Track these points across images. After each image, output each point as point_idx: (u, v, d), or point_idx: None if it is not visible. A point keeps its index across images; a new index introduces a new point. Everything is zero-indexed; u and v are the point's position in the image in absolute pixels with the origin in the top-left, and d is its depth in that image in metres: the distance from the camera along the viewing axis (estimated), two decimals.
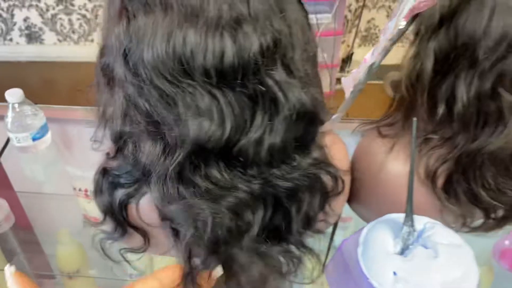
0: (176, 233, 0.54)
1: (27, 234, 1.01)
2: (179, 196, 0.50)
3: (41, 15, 1.96)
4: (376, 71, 0.60)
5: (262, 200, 0.52)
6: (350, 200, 0.73)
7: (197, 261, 0.56)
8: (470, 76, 0.56)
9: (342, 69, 2.33)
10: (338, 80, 2.31)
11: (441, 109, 0.59)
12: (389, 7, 1.96)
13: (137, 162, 0.52)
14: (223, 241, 0.54)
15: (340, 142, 0.67)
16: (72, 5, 1.95)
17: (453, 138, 0.60)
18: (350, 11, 2.37)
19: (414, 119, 0.49)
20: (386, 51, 0.58)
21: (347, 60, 2.35)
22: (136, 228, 0.59)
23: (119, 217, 0.58)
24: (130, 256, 0.63)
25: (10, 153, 1.00)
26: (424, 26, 0.58)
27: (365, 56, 0.65)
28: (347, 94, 0.64)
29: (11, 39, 2.04)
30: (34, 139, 0.94)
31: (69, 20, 1.99)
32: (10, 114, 0.91)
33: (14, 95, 0.90)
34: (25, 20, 1.98)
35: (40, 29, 2.02)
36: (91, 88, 0.56)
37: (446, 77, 0.58)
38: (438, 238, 0.53)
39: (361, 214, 0.76)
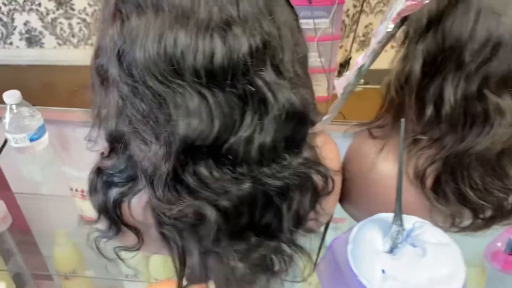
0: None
1: (24, 235, 1.02)
2: (170, 194, 0.51)
3: (41, 19, 1.97)
4: (366, 73, 0.61)
5: (253, 198, 0.53)
6: (341, 200, 0.74)
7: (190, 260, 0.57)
8: (457, 78, 0.57)
9: (340, 74, 2.35)
10: None
11: (429, 111, 0.60)
12: None
13: (130, 161, 0.53)
14: (214, 239, 0.55)
15: (331, 143, 0.68)
16: (72, 9, 1.95)
17: (441, 139, 0.61)
18: (348, 16, 2.39)
19: (402, 120, 0.50)
20: (375, 53, 0.59)
21: (345, 64, 2.37)
22: (130, 227, 0.60)
23: (113, 216, 0.59)
24: (126, 256, 0.64)
25: (8, 154, 1.01)
26: (413, 29, 0.60)
27: (357, 59, 0.67)
28: (339, 96, 0.65)
29: (11, 43, 2.05)
30: (31, 140, 0.95)
31: (69, 24, 2.00)
32: (8, 115, 0.93)
33: (12, 96, 0.92)
34: (25, 24, 1.99)
35: (40, 33, 2.03)
36: (86, 89, 0.57)
37: (434, 79, 0.59)
38: (427, 237, 0.54)
39: (352, 214, 0.77)
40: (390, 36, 0.60)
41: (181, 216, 0.52)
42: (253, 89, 0.48)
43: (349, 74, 0.66)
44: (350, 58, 2.31)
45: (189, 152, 0.49)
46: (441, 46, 0.58)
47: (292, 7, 0.55)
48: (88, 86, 0.56)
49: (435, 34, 0.58)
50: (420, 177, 0.64)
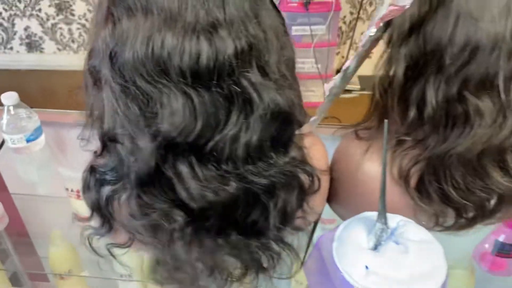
0: (155, 228, 0.57)
1: (20, 235, 1.03)
2: (155, 192, 0.53)
3: (41, 25, 1.99)
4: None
5: (238, 196, 0.55)
6: (330, 201, 0.76)
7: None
8: (438, 81, 0.59)
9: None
10: None
11: (412, 112, 0.62)
12: None
13: (121, 159, 0.55)
14: (203, 235, 0.57)
15: (319, 143, 0.70)
16: (72, 14, 1.97)
17: (424, 140, 0.63)
18: (344, 23, 2.41)
19: (385, 120, 0.52)
20: (359, 57, 0.61)
21: (339, 70, 2.38)
22: (122, 224, 0.62)
23: (105, 213, 0.61)
24: (119, 252, 0.66)
25: (5, 155, 1.03)
26: (396, 34, 0.62)
27: (346, 63, 0.68)
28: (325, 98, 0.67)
29: (11, 48, 2.07)
30: (28, 140, 0.97)
31: (69, 29, 2.02)
32: (5, 116, 0.95)
33: (9, 98, 0.94)
34: (25, 29, 2.01)
35: (40, 38, 2.05)
36: (81, 90, 0.59)
37: (417, 82, 0.61)
38: (410, 235, 0.55)
39: (340, 214, 0.78)
40: (374, 40, 0.62)
41: (156, 214, 0.54)
42: (238, 89, 0.50)
43: (337, 77, 0.68)
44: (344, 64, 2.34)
45: (170, 148, 0.51)
46: (422, 50, 0.59)
47: (278, 11, 0.57)
48: (82, 87, 0.58)
49: (417, 38, 0.60)
50: (404, 177, 0.66)
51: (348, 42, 2.12)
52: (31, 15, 1.90)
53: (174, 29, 0.47)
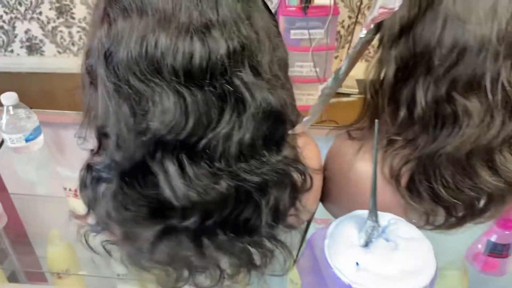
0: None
1: (18, 235, 1.04)
2: (139, 188, 0.54)
3: (42, 28, 2.01)
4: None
5: (229, 194, 0.56)
6: (323, 200, 0.77)
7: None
8: (427, 82, 0.60)
9: None
10: None
11: (402, 113, 0.63)
12: None
13: (110, 153, 0.56)
14: (196, 232, 0.58)
15: (312, 143, 0.71)
16: (73, 18, 1.99)
17: (414, 140, 0.64)
18: (343, 27, 2.42)
19: (376, 121, 0.53)
20: (350, 58, 0.62)
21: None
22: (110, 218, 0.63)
23: (101, 210, 0.62)
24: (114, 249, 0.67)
25: (4, 154, 1.04)
26: (386, 36, 0.63)
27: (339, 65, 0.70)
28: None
29: (12, 51, 2.08)
30: (27, 140, 0.99)
31: (69, 32, 2.04)
32: (5, 116, 0.97)
33: (9, 98, 0.96)
34: (26, 32, 2.02)
35: (41, 41, 2.06)
36: (79, 91, 0.60)
37: (407, 83, 0.63)
38: (400, 232, 0.57)
39: (333, 213, 0.79)
40: (365, 43, 0.63)
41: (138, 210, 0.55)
42: (231, 88, 0.51)
43: (329, 78, 0.69)
44: None
45: (160, 145, 0.52)
46: (412, 52, 0.61)
47: (271, 13, 0.59)
48: (79, 86, 0.59)
49: (406, 40, 0.61)
50: (395, 176, 0.67)
51: (347, 46, 2.13)
52: (31, 18, 1.92)
53: (168, 29, 0.49)
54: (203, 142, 0.52)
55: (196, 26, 0.49)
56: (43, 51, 2.02)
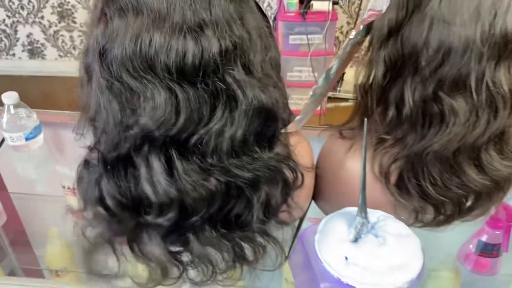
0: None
1: (17, 233, 1.05)
2: (123, 180, 0.56)
3: (44, 32, 2.03)
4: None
5: (220, 190, 0.57)
6: (316, 198, 0.79)
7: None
8: (415, 82, 0.62)
9: (333, 89, 2.40)
10: (330, 99, 2.38)
11: (391, 112, 0.65)
12: None
13: (99, 147, 0.58)
14: (187, 226, 0.59)
15: (304, 142, 0.73)
16: (74, 22, 2.01)
17: (403, 139, 0.66)
18: (342, 32, 2.45)
19: (365, 119, 0.55)
20: (340, 59, 0.64)
21: (338, 80, 2.42)
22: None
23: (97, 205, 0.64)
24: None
25: (4, 153, 1.06)
26: (376, 37, 0.65)
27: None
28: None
29: (13, 54, 2.10)
30: (27, 138, 1.01)
31: (71, 36, 2.06)
32: (5, 115, 0.99)
33: (10, 97, 0.98)
34: (28, 36, 2.05)
35: (42, 44, 2.08)
36: (77, 89, 0.62)
37: (395, 83, 0.64)
38: (389, 228, 0.58)
39: (325, 210, 0.81)
40: (356, 44, 0.65)
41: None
42: (223, 86, 0.53)
43: (321, 79, 0.71)
44: (343, 74, 2.37)
45: (147, 140, 0.54)
46: (400, 53, 0.63)
47: (264, 14, 0.61)
48: (78, 84, 0.61)
49: (395, 41, 0.63)
50: (384, 174, 0.68)
51: None
52: (33, 22, 1.95)
53: (162, 28, 0.51)
54: (195, 137, 0.54)
55: (189, 25, 0.51)
56: (44, 54, 2.04)
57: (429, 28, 0.59)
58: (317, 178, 0.75)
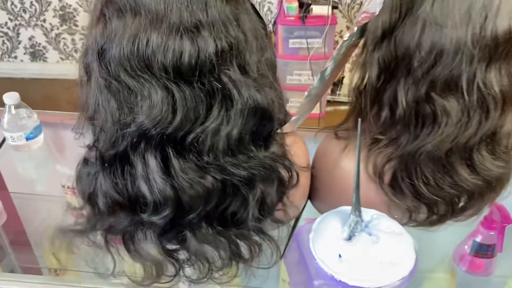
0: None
1: (17, 233, 1.06)
2: (120, 178, 0.57)
3: (45, 35, 2.04)
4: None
5: (216, 188, 0.58)
6: (311, 198, 0.80)
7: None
8: (408, 83, 0.63)
9: (333, 92, 2.42)
10: (329, 103, 2.39)
11: (385, 113, 0.66)
12: None
13: (97, 144, 0.59)
14: (184, 223, 0.60)
15: (300, 142, 0.74)
16: (76, 25, 2.02)
17: (397, 139, 0.67)
18: (341, 36, 2.46)
19: (359, 120, 0.56)
20: (334, 60, 0.65)
21: (338, 83, 2.44)
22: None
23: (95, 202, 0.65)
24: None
25: (5, 152, 1.07)
26: (370, 39, 0.66)
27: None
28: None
29: (15, 57, 2.12)
30: (27, 138, 1.02)
31: (72, 39, 2.07)
32: (6, 115, 1.00)
33: (11, 97, 1.00)
34: (30, 39, 2.06)
35: (44, 47, 2.10)
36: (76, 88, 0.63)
37: (389, 84, 0.65)
38: (382, 227, 0.59)
39: (321, 210, 0.81)
40: (351, 46, 0.66)
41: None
42: (219, 85, 0.55)
43: (316, 80, 0.72)
44: (343, 77, 2.38)
45: (143, 139, 0.55)
46: (394, 54, 0.64)
47: (260, 16, 0.62)
48: (78, 84, 0.62)
49: (388, 43, 0.64)
50: (378, 174, 0.69)
51: None
52: (35, 25, 1.96)
53: (159, 28, 0.52)
54: (191, 136, 0.55)
55: (186, 26, 0.52)
56: (46, 57, 2.06)
57: (421, 31, 0.61)
58: (312, 178, 0.76)
